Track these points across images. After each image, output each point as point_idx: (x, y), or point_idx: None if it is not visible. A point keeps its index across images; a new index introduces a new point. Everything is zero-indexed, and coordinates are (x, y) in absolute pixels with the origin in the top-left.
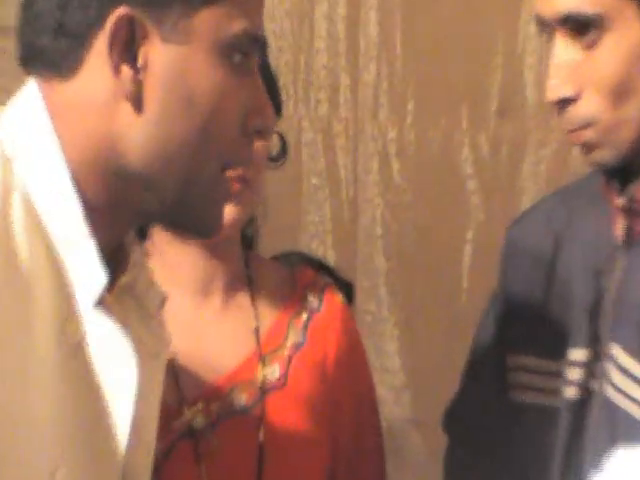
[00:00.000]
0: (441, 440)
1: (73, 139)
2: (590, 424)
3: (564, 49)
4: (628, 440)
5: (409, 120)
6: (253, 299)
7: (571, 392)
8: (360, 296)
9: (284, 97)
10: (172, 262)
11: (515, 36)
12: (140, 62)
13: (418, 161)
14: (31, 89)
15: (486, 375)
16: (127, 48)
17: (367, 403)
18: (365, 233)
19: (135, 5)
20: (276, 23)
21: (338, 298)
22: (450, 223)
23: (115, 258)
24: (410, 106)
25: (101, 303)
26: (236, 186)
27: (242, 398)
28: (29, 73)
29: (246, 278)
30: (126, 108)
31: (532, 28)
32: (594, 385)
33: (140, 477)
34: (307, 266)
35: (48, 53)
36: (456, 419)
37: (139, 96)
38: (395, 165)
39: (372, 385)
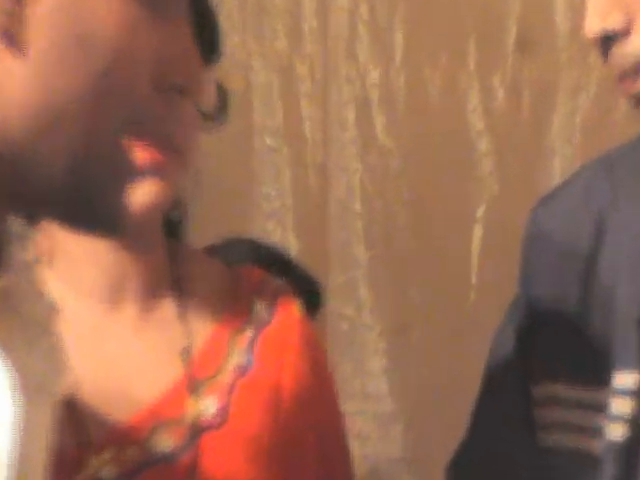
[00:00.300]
0: None
1: None
2: None
3: None
4: None
5: (397, 57)
6: (181, 308)
7: (617, 431)
8: (334, 296)
9: (227, 28)
10: (69, 258)
11: None
12: None
13: (410, 113)
14: None
15: (504, 410)
16: None
17: (334, 443)
18: (339, 210)
19: None
20: None
21: (295, 306)
22: (454, 197)
23: None
24: (398, 38)
25: None
26: (158, 155)
27: (167, 441)
28: None
29: (172, 280)
30: None
31: None
32: None
33: None
34: (255, 260)
35: None
36: (465, 469)
37: (17, 33)
38: (379, 118)
39: (340, 421)
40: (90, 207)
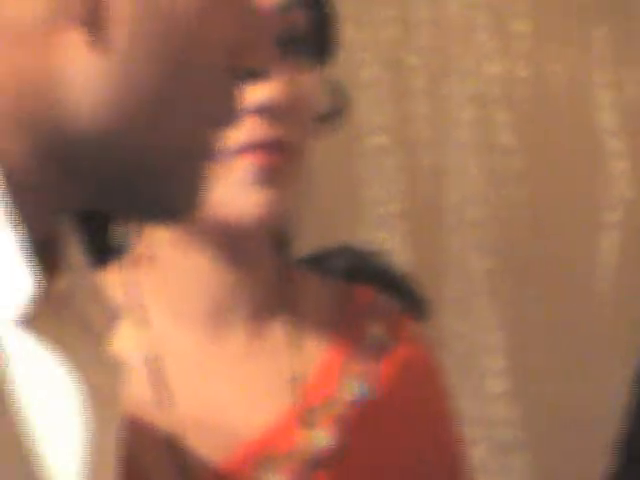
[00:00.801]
0: None
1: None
2: None
3: None
4: None
5: (521, 48)
6: (293, 332)
7: None
8: (448, 312)
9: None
10: (170, 283)
11: None
12: None
13: (534, 109)
14: None
15: None
16: None
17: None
18: (454, 218)
19: None
20: None
21: (416, 331)
22: (583, 202)
23: (43, 257)
24: (522, 27)
25: (28, 320)
26: (270, 158)
27: (276, 479)
28: None
29: (281, 301)
30: (74, 39)
31: None
32: None
33: None
34: (356, 272)
35: None
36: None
37: (97, 21)
38: (499, 115)
39: (464, 454)
40: (158, 198)
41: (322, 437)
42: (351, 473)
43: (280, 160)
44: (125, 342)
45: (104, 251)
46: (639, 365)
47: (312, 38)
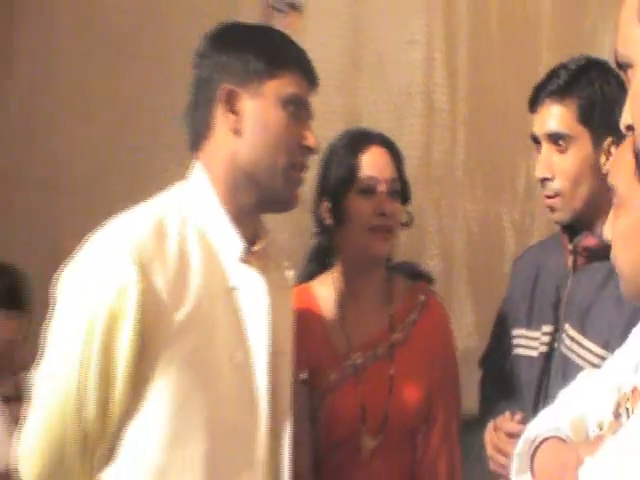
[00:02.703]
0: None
1: (218, 173)
2: (553, 366)
3: (547, 152)
4: (574, 375)
5: (479, 201)
6: (390, 300)
7: (544, 349)
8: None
9: None
10: (352, 282)
11: (529, 158)
12: (238, 111)
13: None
14: (197, 166)
15: (503, 338)
16: (230, 105)
17: (450, 358)
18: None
19: (231, 83)
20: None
21: (438, 299)
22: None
23: (253, 234)
24: (479, 193)
25: (244, 262)
26: (386, 235)
27: (382, 350)
28: (196, 156)
29: (386, 289)
30: (233, 137)
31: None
32: (556, 345)
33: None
34: (421, 278)
35: (196, 131)
36: (487, 361)
37: (239, 128)
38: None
39: (454, 351)
40: (276, 198)
41: (399, 336)
42: (410, 350)
43: (389, 235)
44: (328, 299)
45: (328, 264)
46: (497, 316)
47: (403, 193)
